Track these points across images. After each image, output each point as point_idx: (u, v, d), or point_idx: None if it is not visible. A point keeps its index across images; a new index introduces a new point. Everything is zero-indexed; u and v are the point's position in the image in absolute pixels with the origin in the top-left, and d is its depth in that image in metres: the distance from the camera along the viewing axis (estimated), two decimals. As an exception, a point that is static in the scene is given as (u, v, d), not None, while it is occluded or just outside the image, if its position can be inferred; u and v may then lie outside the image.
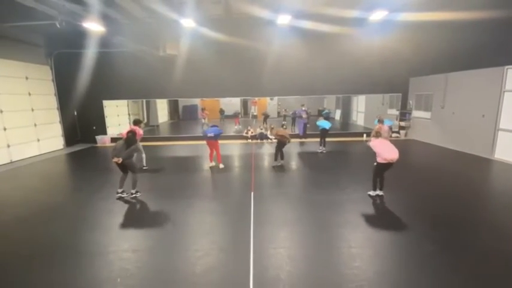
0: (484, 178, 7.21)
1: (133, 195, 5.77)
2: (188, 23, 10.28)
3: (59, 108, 11.94)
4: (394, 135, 12.86)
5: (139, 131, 7.19)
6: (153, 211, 5.21)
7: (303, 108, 12.66)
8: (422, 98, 12.09)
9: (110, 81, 12.44)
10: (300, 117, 12.92)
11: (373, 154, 5.44)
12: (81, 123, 12.75)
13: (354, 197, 5.62)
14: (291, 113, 15.38)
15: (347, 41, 12.31)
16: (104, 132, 13.03)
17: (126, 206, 5.40)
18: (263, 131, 12.98)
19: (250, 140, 12.83)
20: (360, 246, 3.83)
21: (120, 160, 5.40)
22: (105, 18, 9.84)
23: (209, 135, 7.67)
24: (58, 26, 8.32)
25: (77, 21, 8.71)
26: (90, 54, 11.71)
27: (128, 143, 5.56)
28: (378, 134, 5.53)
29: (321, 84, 12.90)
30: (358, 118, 16.86)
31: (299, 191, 6.24)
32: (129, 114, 14.59)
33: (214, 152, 8.02)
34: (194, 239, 4.15)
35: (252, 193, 5.90)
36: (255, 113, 17.68)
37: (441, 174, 7.20)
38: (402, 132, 13.08)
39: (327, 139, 10.54)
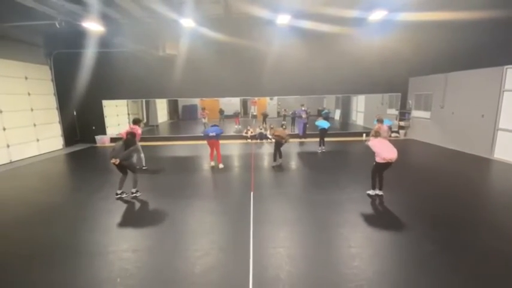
0: (483, 178, 7.22)
1: (134, 194, 5.77)
2: (188, 22, 10.27)
3: (59, 108, 11.93)
4: (393, 135, 12.87)
5: (138, 130, 7.18)
6: (152, 211, 5.21)
7: (303, 108, 12.66)
8: (422, 98, 12.10)
9: (109, 81, 12.43)
10: (300, 117, 12.94)
11: (372, 154, 5.45)
12: (80, 123, 12.74)
13: (354, 196, 5.62)
14: (290, 113, 15.39)
15: (347, 41, 12.31)
16: (104, 132, 13.01)
17: (125, 206, 5.40)
18: (262, 130, 12.98)
19: (249, 140, 12.83)
20: (360, 245, 3.83)
21: (117, 161, 5.40)
22: (105, 18, 9.84)
23: (210, 134, 7.67)
24: (57, 26, 8.33)
25: (77, 21, 8.72)
26: (89, 54, 11.69)
27: (127, 144, 5.57)
28: (377, 134, 5.55)
29: (320, 84, 12.90)
30: (358, 118, 16.86)
31: (299, 190, 6.24)
32: (128, 114, 14.58)
33: (215, 152, 8.02)
34: (194, 238, 4.15)
35: (252, 193, 5.90)
36: (254, 113, 17.68)
37: (440, 174, 7.21)
38: (402, 132, 13.09)
39: (326, 139, 10.56)
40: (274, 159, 8.15)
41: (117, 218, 4.89)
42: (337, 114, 18.88)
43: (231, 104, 16.73)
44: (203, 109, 15.15)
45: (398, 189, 5.96)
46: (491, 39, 9.15)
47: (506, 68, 8.21)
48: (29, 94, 10.33)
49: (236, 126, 15.56)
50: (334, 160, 9.15)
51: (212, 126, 7.95)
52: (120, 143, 5.60)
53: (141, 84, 12.54)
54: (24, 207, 5.45)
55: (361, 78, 12.66)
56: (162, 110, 18.12)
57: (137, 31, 11.42)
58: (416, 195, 5.70)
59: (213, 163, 8.12)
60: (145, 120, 15.67)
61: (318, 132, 10.19)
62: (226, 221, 4.69)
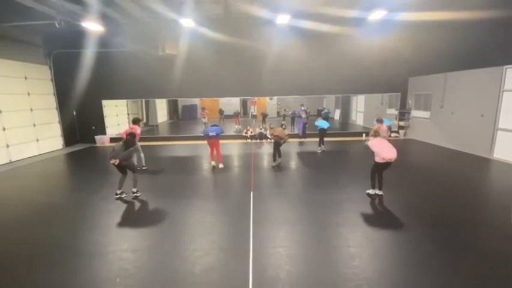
0: (483, 178, 7.22)
1: (135, 194, 5.77)
2: (187, 22, 10.27)
3: (58, 108, 11.93)
4: (393, 134, 12.88)
5: (137, 130, 7.18)
6: (152, 211, 5.21)
7: (302, 108, 12.67)
8: (422, 98, 12.10)
9: (109, 81, 12.42)
10: (300, 117, 12.94)
11: (372, 153, 5.45)
12: (80, 123, 12.74)
13: (353, 196, 5.63)
14: (290, 112, 15.39)
15: (346, 40, 12.31)
16: (103, 132, 13.01)
17: (125, 206, 5.40)
18: (262, 130, 12.98)
19: (249, 140, 12.83)
20: (359, 245, 3.84)
21: (117, 162, 5.40)
22: (104, 18, 9.84)
23: (211, 134, 7.67)
24: (57, 25, 8.32)
25: (76, 21, 8.71)
26: (89, 54, 11.69)
27: (127, 145, 5.57)
28: (376, 134, 5.56)
29: (320, 84, 12.90)
30: (358, 118, 16.86)
31: (298, 190, 6.24)
32: (128, 114, 14.56)
33: (215, 151, 8.01)
34: (193, 238, 4.15)
35: (252, 193, 5.90)
36: (254, 113, 17.68)
37: (440, 174, 7.21)
38: (401, 131, 13.09)
39: (326, 139, 10.56)
40: (274, 159, 8.16)
41: (117, 218, 4.89)
42: (336, 114, 18.88)
43: (231, 104, 16.71)
44: (203, 109, 15.15)
45: (398, 189, 5.96)
46: (491, 39, 9.17)
47: (506, 68, 8.21)
48: (28, 94, 10.33)
49: (236, 126, 15.56)
50: (334, 160, 9.16)
51: (212, 126, 7.95)
52: (120, 143, 5.60)
53: (140, 84, 12.53)
54: (24, 207, 5.45)
55: (361, 78, 12.67)
56: (161, 110, 18.10)
57: (137, 31, 11.41)
58: (415, 195, 5.71)
59: (213, 162, 8.11)
60: (145, 120, 15.67)
61: (317, 132, 10.21)
62: (226, 221, 4.69)
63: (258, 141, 12.66)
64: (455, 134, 10.17)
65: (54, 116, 11.75)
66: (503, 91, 8.35)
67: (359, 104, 16.65)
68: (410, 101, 12.84)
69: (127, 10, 9.87)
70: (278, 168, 7.94)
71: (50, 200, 5.87)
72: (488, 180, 7.14)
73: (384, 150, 5.19)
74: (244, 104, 19.17)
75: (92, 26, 9.20)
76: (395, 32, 11.91)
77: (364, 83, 12.80)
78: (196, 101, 18.31)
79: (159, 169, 8.12)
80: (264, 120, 15.08)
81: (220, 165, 8.04)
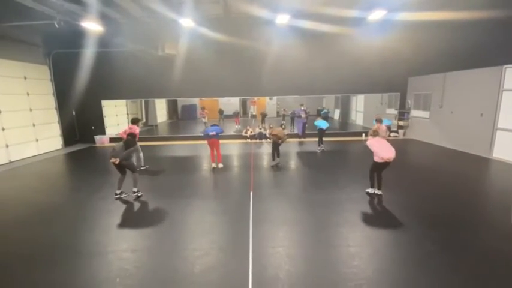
0: (482, 177, 7.23)
1: (136, 194, 5.75)
2: (187, 22, 10.26)
3: (58, 108, 11.92)
4: (392, 134, 12.89)
5: (136, 130, 7.17)
6: (152, 211, 5.21)
7: (302, 108, 12.67)
8: (421, 98, 12.11)
9: (108, 80, 12.41)
10: (299, 116, 12.95)
11: (371, 153, 5.45)
12: (79, 123, 12.72)
13: (353, 196, 5.63)
14: (289, 112, 15.39)
15: (346, 40, 12.31)
16: (103, 132, 13.00)
17: (125, 206, 5.40)
18: (262, 130, 12.98)
19: (249, 140, 12.83)
20: (359, 245, 3.84)
21: (117, 161, 5.39)
22: (104, 18, 9.83)
23: (211, 134, 7.66)
24: (56, 25, 8.31)
25: (76, 20, 8.70)
26: (88, 54, 11.68)
27: (127, 145, 5.57)
28: (375, 133, 5.57)
29: (320, 84, 12.90)
30: (357, 118, 16.88)
31: (298, 190, 6.24)
32: (127, 114, 14.56)
33: (215, 152, 8.00)
34: (193, 238, 4.15)
35: (251, 192, 5.90)
36: (254, 113, 17.69)
37: (440, 174, 7.21)
38: (401, 131, 13.10)
39: (326, 138, 10.56)
40: (273, 159, 8.16)
41: (117, 218, 4.89)
42: (336, 114, 18.89)
43: (231, 103, 16.72)
44: (203, 109, 15.15)
45: (398, 189, 5.96)
46: (490, 39, 9.17)
47: (505, 68, 8.21)
48: (27, 94, 10.32)
49: (236, 126, 15.56)
50: (334, 160, 9.16)
51: (212, 125, 7.94)
52: (121, 143, 5.61)
53: (140, 84, 12.52)
54: (24, 207, 5.44)
55: (361, 78, 12.67)
56: (161, 110, 18.11)
57: (136, 31, 11.41)
58: (415, 195, 5.71)
59: (213, 164, 8.04)
60: (144, 120, 15.66)
61: (316, 132, 10.21)
62: (226, 221, 4.69)
63: (258, 141, 12.66)
64: (455, 134, 10.18)
65: (53, 116, 11.74)
66: (502, 91, 8.36)
67: (358, 103, 16.67)
68: (409, 101, 12.84)
69: (127, 10, 9.87)
70: (278, 168, 7.94)
71: (50, 200, 5.86)
72: (487, 180, 7.15)
73: (382, 150, 5.20)
74: (244, 104, 19.18)
75: (92, 26, 9.19)
76: (395, 32, 11.91)
77: (363, 83, 12.80)
78: (195, 100, 18.31)
79: (158, 169, 8.12)
80: (263, 120, 15.08)
81: (220, 165, 8.04)
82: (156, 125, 16.42)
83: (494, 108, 8.57)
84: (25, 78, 10.24)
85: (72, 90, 12.03)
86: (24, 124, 10.13)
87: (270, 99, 18.97)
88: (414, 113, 12.64)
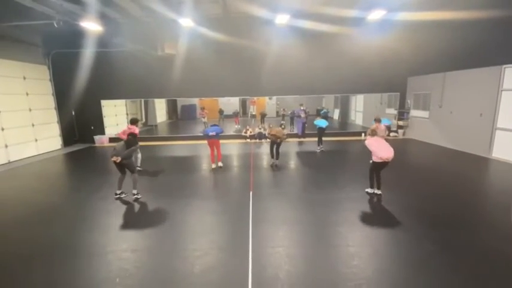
0: (482, 177, 7.24)
1: (135, 196, 5.71)
2: (186, 22, 10.26)
3: (57, 108, 11.90)
4: (392, 134, 12.90)
5: (135, 130, 7.15)
6: (151, 211, 5.20)
7: (302, 108, 12.67)
8: (421, 97, 12.12)
9: (108, 80, 12.39)
10: (299, 116, 12.95)
11: (370, 153, 5.45)
12: (79, 123, 12.71)
13: (353, 196, 5.63)
14: (289, 112, 15.38)
15: (346, 40, 12.31)
16: (102, 132, 12.99)
17: (124, 206, 5.39)
18: (262, 130, 12.98)
19: (248, 140, 12.83)
20: (359, 244, 3.84)
21: (118, 159, 5.39)
22: (103, 18, 9.83)
23: (210, 134, 7.65)
24: (56, 25, 8.31)
25: (75, 20, 8.69)
26: (88, 54, 11.67)
27: (129, 144, 5.57)
28: (373, 133, 5.57)
29: (319, 84, 12.90)
30: (357, 117, 16.88)
31: (298, 190, 6.24)
32: (127, 114, 14.54)
33: (215, 153, 7.99)
34: (193, 238, 4.14)
35: (251, 192, 5.90)
36: (253, 113, 17.67)
37: (439, 174, 7.22)
38: (400, 131, 13.11)
39: (325, 138, 10.55)
40: (272, 156, 8.15)
41: (116, 218, 4.88)
42: (336, 114, 18.90)
43: (230, 103, 16.70)
44: (202, 109, 15.14)
45: (397, 189, 5.96)
46: (489, 39, 9.18)
47: (505, 68, 8.23)
48: (27, 94, 10.30)
49: (236, 126, 15.55)
50: (333, 159, 9.16)
51: (212, 125, 7.94)
52: (122, 142, 5.62)
53: (139, 84, 12.51)
54: (23, 208, 5.44)
55: (360, 77, 12.67)
56: (161, 110, 18.09)
57: (136, 31, 11.40)
58: (415, 195, 5.71)
59: (214, 165, 8.01)
60: (144, 120, 15.65)
61: (316, 132, 10.20)
62: (226, 221, 4.69)
63: (257, 141, 12.66)
64: (454, 134, 10.19)
65: (53, 116, 11.73)
66: (501, 90, 8.37)
67: (358, 103, 16.67)
68: (409, 101, 12.85)
69: (126, 10, 9.86)
70: (277, 167, 7.94)
71: (49, 200, 5.86)
72: (487, 180, 7.15)
73: (381, 150, 5.20)
74: (243, 104, 19.16)
75: (91, 26, 9.18)
76: (395, 32, 11.92)
77: (363, 83, 12.81)
78: (195, 100, 18.29)
79: (158, 169, 8.11)
80: (262, 120, 15.07)
81: (220, 164, 8.04)
82: (156, 125, 16.41)
83: (493, 108, 8.58)
84: (24, 78, 10.23)
85: (72, 90, 12.02)
86: (24, 124, 10.12)
87: (270, 99, 18.93)
88: (414, 112, 12.65)
